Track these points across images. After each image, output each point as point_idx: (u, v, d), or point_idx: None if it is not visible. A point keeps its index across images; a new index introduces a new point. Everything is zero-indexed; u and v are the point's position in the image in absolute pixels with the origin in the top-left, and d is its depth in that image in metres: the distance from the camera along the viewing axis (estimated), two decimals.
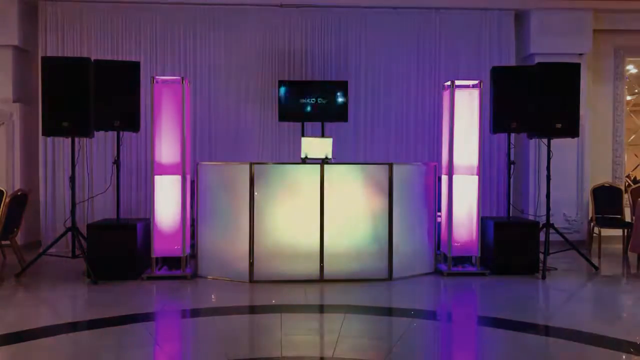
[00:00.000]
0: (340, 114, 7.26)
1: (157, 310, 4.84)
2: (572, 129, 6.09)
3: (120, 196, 6.37)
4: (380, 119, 7.88)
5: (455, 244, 6.07)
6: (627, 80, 8.63)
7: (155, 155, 5.80)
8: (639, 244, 6.50)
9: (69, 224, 6.05)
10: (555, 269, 6.30)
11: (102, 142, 7.50)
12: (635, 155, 8.85)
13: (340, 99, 7.26)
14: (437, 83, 7.84)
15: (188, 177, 5.93)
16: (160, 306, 4.94)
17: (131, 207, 7.58)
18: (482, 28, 7.94)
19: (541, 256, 6.07)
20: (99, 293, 5.30)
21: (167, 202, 5.82)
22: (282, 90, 7.26)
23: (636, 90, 8.82)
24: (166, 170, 5.83)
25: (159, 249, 5.82)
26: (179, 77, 5.95)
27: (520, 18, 8.10)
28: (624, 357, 3.78)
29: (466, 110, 6.06)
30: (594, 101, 8.24)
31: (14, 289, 5.48)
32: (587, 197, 7.78)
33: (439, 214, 6.30)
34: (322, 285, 5.57)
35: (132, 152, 7.61)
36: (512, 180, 6.48)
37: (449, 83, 6.12)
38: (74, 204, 6.02)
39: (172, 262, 5.93)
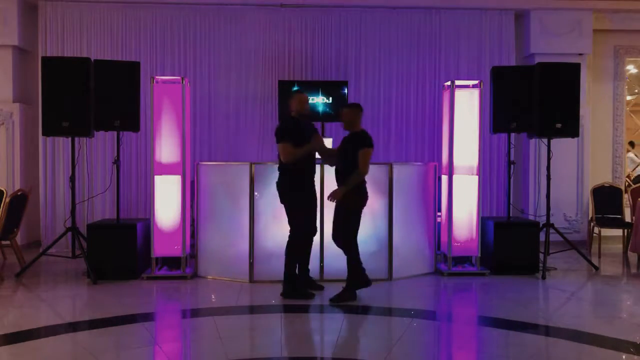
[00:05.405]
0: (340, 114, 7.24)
1: (157, 310, 4.84)
2: (572, 129, 6.09)
3: (120, 196, 6.36)
4: (380, 119, 7.86)
5: (455, 244, 6.07)
6: (627, 80, 8.63)
7: (155, 155, 5.81)
8: (639, 244, 6.50)
9: (69, 224, 6.05)
10: (555, 268, 6.30)
11: (102, 142, 7.50)
12: (635, 155, 8.85)
13: (340, 99, 7.25)
14: (437, 83, 7.83)
15: (188, 177, 5.93)
16: (160, 306, 4.94)
17: (131, 207, 7.57)
18: (482, 28, 7.93)
19: (541, 256, 6.07)
20: (99, 293, 5.30)
21: (167, 202, 5.82)
22: (282, 90, 7.25)
23: (636, 90, 8.83)
24: (166, 170, 5.83)
25: (159, 249, 5.81)
26: (179, 77, 5.95)
27: (520, 18, 8.10)
28: (624, 357, 3.78)
29: (466, 110, 6.05)
30: (594, 101, 8.24)
31: (14, 289, 5.48)
32: (587, 197, 7.78)
33: (439, 214, 6.29)
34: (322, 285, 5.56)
35: (132, 152, 7.60)
36: (512, 180, 6.47)
37: (449, 83, 6.11)
38: (74, 204, 6.02)
39: (172, 262, 5.93)
